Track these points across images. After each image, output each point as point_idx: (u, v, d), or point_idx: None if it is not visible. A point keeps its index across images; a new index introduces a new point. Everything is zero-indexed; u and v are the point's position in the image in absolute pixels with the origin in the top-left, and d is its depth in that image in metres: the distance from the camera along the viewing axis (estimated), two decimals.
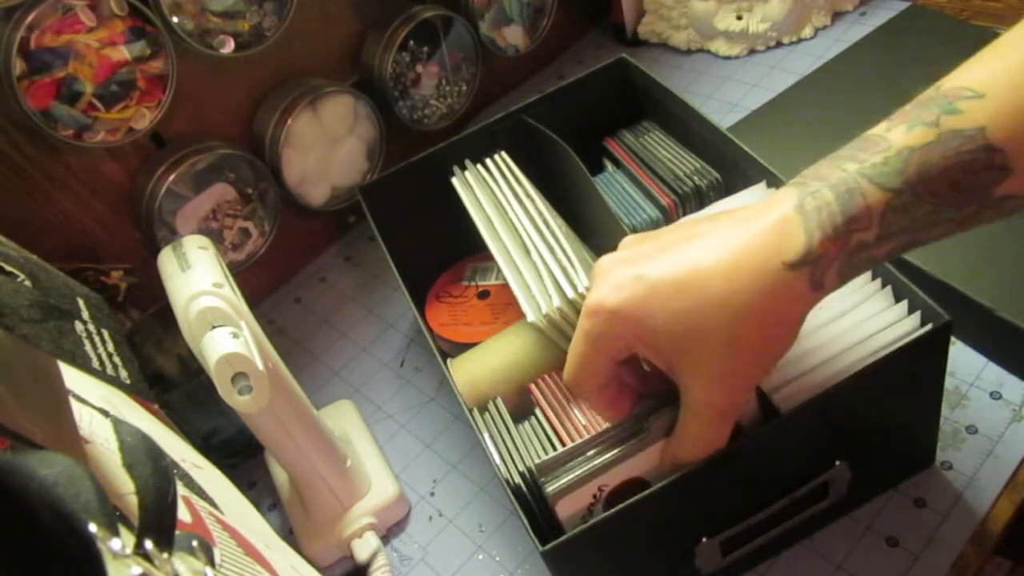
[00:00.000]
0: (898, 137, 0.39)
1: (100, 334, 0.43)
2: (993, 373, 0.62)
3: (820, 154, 0.43)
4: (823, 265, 0.40)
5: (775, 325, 0.41)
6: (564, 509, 0.48)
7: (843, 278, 0.41)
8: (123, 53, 0.68)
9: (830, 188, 0.39)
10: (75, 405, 0.36)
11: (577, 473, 0.48)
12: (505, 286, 0.63)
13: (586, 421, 0.53)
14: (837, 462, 0.52)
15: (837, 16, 0.96)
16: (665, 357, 0.43)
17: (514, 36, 0.97)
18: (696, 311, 0.41)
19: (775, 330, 0.41)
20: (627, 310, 0.42)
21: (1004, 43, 0.39)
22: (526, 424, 0.57)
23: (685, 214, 0.70)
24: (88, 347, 0.41)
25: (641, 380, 0.50)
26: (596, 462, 0.48)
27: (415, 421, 0.75)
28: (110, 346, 0.44)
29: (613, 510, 0.46)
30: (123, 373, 0.44)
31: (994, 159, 0.37)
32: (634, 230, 0.69)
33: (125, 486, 0.31)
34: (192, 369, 0.71)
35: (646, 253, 0.44)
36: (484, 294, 0.77)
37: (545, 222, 0.61)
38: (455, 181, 0.68)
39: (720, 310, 0.40)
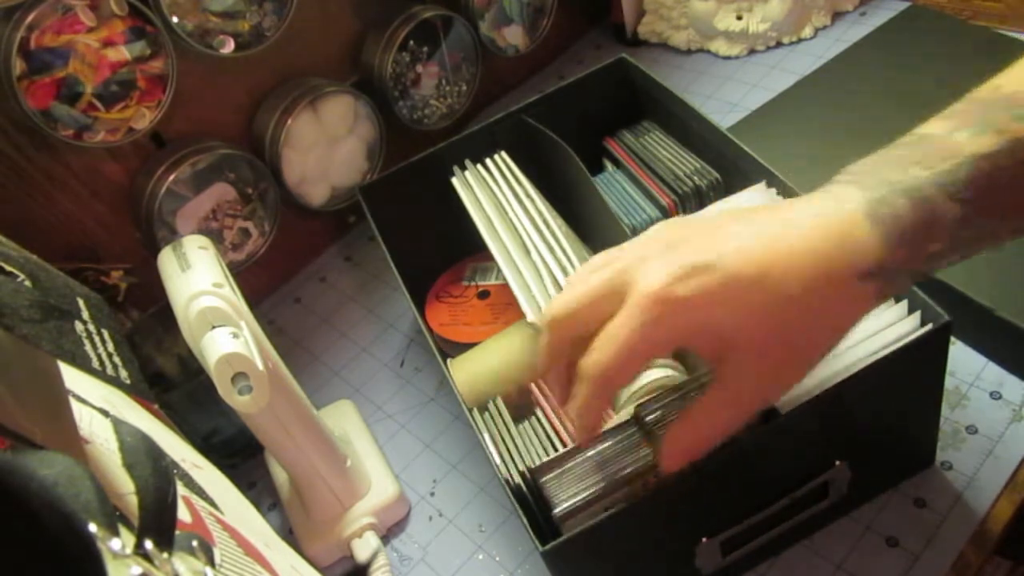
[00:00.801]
0: (965, 142, 0.37)
1: (100, 334, 0.43)
2: (993, 373, 0.62)
3: (820, 154, 0.42)
4: (892, 276, 0.38)
5: (836, 331, 0.40)
6: (570, 526, 0.48)
7: (904, 289, 0.39)
8: (123, 53, 0.68)
9: (904, 195, 0.37)
10: (75, 405, 0.36)
11: (585, 496, 0.47)
12: (505, 286, 0.63)
13: None
14: (837, 462, 0.52)
15: (837, 16, 0.96)
16: (720, 348, 0.41)
17: (514, 36, 0.97)
18: (769, 309, 0.39)
19: (834, 336, 0.41)
20: (697, 300, 0.39)
21: None
22: (526, 424, 0.57)
23: (685, 214, 0.70)
24: (88, 347, 0.41)
25: None
26: (600, 478, 0.47)
27: (415, 421, 0.75)
28: (110, 346, 0.44)
29: (613, 510, 0.46)
30: (123, 373, 0.44)
31: None
32: (634, 230, 0.69)
33: (125, 486, 0.31)
34: (192, 369, 0.71)
35: (704, 242, 0.41)
36: (484, 294, 0.77)
37: (545, 222, 0.61)
38: (455, 181, 0.68)
39: (792, 313, 0.39)
